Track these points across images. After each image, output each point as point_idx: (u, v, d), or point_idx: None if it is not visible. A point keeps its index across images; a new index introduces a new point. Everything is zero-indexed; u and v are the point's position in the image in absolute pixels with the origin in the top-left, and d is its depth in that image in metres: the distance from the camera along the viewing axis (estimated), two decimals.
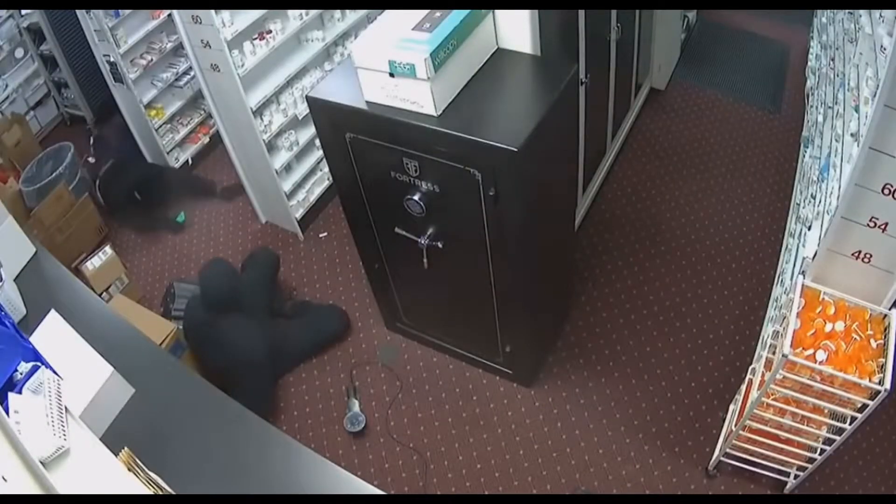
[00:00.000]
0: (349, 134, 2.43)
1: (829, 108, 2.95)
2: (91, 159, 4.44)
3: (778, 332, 2.37)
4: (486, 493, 2.93)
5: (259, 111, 3.53)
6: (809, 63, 4.17)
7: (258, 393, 3.17)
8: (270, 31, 3.44)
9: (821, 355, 2.10)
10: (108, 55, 3.89)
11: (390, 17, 2.26)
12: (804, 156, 3.62)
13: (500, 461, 3.01)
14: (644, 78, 4.46)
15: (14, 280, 1.99)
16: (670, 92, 4.65)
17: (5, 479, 0.89)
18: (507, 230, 2.41)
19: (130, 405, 1.52)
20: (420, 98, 2.17)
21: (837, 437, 2.27)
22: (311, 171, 4.04)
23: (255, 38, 3.39)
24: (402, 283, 3.12)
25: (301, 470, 1.64)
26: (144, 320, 3.06)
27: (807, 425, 2.32)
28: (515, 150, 2.08)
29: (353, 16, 3.81)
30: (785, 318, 2.30)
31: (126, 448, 1.15)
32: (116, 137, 4.53)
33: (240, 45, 3.29)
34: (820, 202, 2.55)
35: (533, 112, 2.25)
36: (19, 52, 4.60)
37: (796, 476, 2.65)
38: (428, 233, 2.61)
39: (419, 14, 2.19)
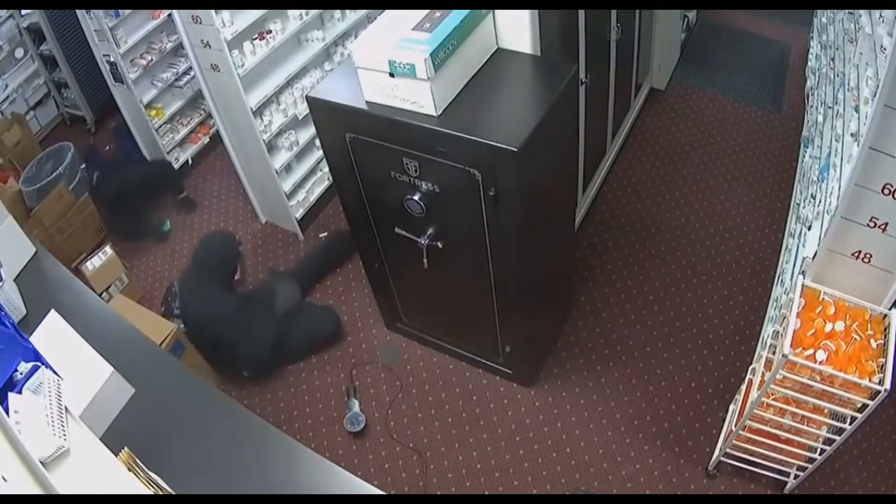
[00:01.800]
0: (349, 134, 2.43)
1: (829, 108, 2.95)
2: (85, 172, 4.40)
3: (778, 332, 2.37)
4: (486, 493, 2.93)
5: (259, 111, 3.52)
6: (809, 63, 4.18)
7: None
8: (270, 31, 3.44)
9: (821, 355, 2.10)
10: (108, 55, 3.89)
11: (390, 17, 2.26)
12: (804, 156, 3.62)
13: (500, 461, 3.01)
14: (644, 78, 4.46)
15: (14, 280, 1.99)
16: (670, 92, 4.65)
17: (5, 479, 0.89)
18: (507, 230, 2.41)
19: (130, 405, 1.52)
20: (420, 98, 2.17)
21: (837, 437, 2.27)
22: (311, 171, 4.04)
23: (255, 38, 3.39)
24: (402, 283, 3.12)
25: (301, 470, 1.63)
26: (144, 320, 3.05)
27: (807, 425, 2.32)
28: (515, 150, 2.08)
29: (353, 16, 3.81)
30: (785, 318, 2.30)
31: (126, 448, 1.15)
32: (116, 139, 4.54)
33: (240, 45, 3.29)
34: (820, 202, 2.55)
35: (533, 112, 2.25)
36: (19, 52, 4.60)
37: (796, 476, 2.65)
38: (428, 233, 2.61)
39: (419, 14, 2.19)
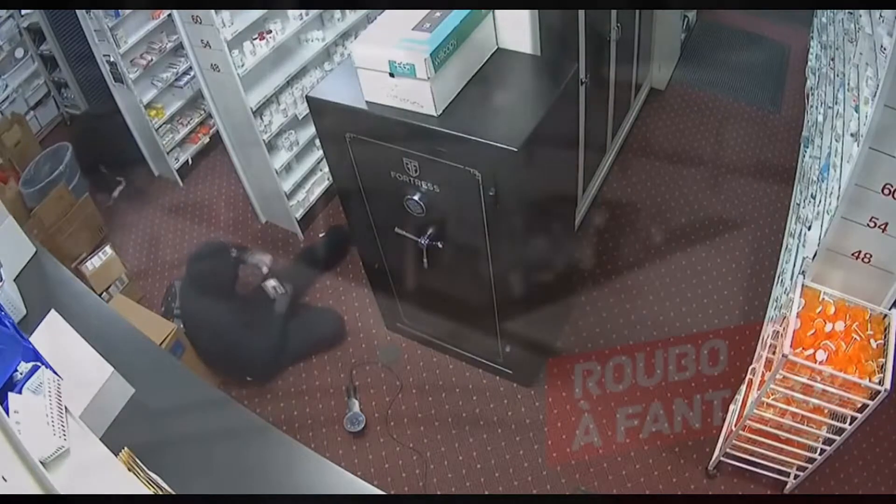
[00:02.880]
0: (349, 134, 2.43)
1: (829, 108, 2.94)
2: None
3: (778, 332, 2.37)
4: (486, 493, 2.93)
5: (259, 111, 3.52)
6: (809, 63, 4.17)
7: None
8: (270, 31, 3.44)
9: (821, 355, 2.10)
10: (108, 55, 3.89)
11: (390, 17, 2.27)
12: (804, 156, 3.62)
13: (500, 461, 3.01)
14: (644, 78, 4.46)
15: (14, 280, 1.99)
16: (670, 92, 4.64)
17: (5, 479, 0.89)
18: (507, 230, 2.41)
19: (130, 405, 1.51)
20: (420, 98, 2.17)
21: (837, 437, 2.27)
22: (311, 171, 4.03)
23: (255, 38, 3.39)
24: (402, 283, 3.12)
25: (301, 470, 1.63)
26: (144, 320, 3.06)
27: (807, 425, 2.32)
28: (515, 150, 2.08)
29: (353, 16, 3.80)
30: (785, 318, 2.30)
31: (126, 448, 1.15)
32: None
33: (240, 45, 3.29)
34: (820, 202, 2.55)
35: (533, 112, 2.25)
36: (19, 52, 4.60)
37: (796, 476, 2.65)
38: (428, 233, 2.61)
39: (419, 14, 2.19)
